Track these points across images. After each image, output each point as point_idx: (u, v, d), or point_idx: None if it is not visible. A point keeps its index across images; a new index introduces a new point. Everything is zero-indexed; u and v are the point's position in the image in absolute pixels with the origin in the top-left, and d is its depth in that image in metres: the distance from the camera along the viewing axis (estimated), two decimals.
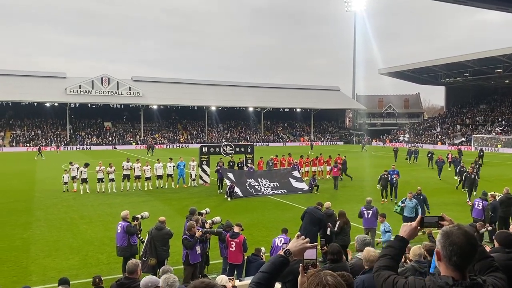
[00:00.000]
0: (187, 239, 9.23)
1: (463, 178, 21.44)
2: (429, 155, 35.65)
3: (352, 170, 28.98)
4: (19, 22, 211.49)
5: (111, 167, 23.26)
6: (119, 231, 10.29)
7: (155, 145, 60.82)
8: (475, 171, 21.87)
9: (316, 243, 2.80)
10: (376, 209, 12.82)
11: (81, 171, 22.88)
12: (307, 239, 2.73)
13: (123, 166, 23.89)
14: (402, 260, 6.66)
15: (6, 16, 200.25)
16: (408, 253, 7.47)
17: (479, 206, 13.76)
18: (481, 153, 37.32)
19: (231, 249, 9.61)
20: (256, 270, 8.87)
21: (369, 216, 12.67)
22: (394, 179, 20.69)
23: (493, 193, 15.10)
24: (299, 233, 2.88)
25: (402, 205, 14.17)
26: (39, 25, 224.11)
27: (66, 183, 22.90)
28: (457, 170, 25.77)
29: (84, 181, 22.76)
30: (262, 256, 9.21)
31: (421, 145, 67.16)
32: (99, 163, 23.90)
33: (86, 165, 23.37)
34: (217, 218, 10.91)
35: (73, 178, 23.17)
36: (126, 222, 10.30)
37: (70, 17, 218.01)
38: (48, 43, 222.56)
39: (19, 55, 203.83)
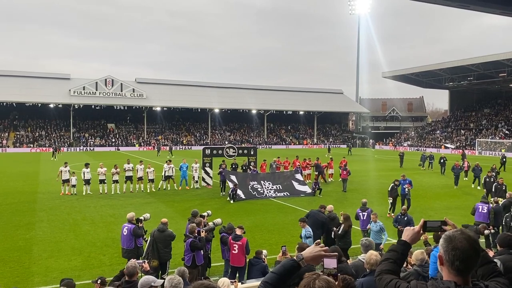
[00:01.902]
0: (195, 241, 9.24)
1: (494, 190, 18.46)
2: (442, 160, 32.96)
3: (355, 174, 28.93)
4: (25, 24, 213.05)
5: (116, 169, 23.26)
6: (125, 234, 10.24)
7: (162, 146, 61.31)
8: (493, 178, 20.30)
9: (336, 253, 2.78)
10: (371, 210, 12.94)
11: (83, 172, 22.69)
12: (326, 247, 2.70)
13: (124, 168, 23.88)
14: (404, 265, 6.64)
15: (12, 18, 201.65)
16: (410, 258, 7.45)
17: (484, 210, 13.54)
18: (504, 160, 35.26)
19: (233, 251, 9.59)
20: (259, 272, 8.90)
21: (365, 218, 12.79)
22: (406, 189, 18.25)
23: (495, 198, 15.07)
24: (319, 240, 2.88)
25: (368, 227, 12.09)
26: (44, 27, 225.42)
27: (74, 185, 22.60)
28: (483, 182, 21.75)
29: (87, 182, 22.67)
30: (264, 259, 9.19)
31: (424, 148, 67.00)
32: (100, 165, 23.90)
33: (87, 165, 23.20)
34: (218, 220, 10.94)
35: (66, 181, 22.57)
36: (132, 225, 10.27)
37: (75, 19, 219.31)
38: (54, 45, 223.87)
39: (24, 57, 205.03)
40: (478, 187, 25.26)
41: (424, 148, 67.31)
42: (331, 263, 2.61)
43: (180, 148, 68.75)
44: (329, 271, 2.57)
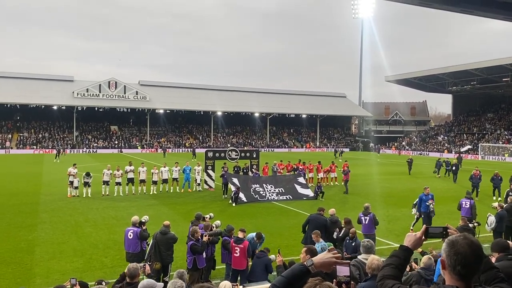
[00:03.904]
0: (195, 245, 9.23)
1: None
2: (453, 168, 30.59)
3: (358, 177, 28.88)
4: (28, 25, 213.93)
5: (118, 171, 23.24)
6: (130, 237, 10.18)
7: (167, 148, 61.61)
8: None
9: (348, 261, 2.73)
10: (373, 215, 12.67)
11: (83, 176, 22.39)
12: (339, 254, 2.64)
13: (126, 170, 23.87)
14: (407, 270, 6.65)
15: (15, 19, 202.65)
16: (412, 262, 7.46)
17: (467, 205, 14.74)
18: None
19: (235, 254, 9.58)
20: (262, 265, 8.93)
21: (367, 222, 12.54)
22: (431, 206, 15.51)
23: (499, 202, 15.03)
24: (332, 246, 2.86)
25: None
26: (48, 29, 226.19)
27: (76, 187, 22.50)
28: (505, 195, 18.67)
29: (86, 184, 22.39)
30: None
31: (427, 153, 66.95)
32: (107, 166, 23.85)
33: (88, 174, 22.73)
34: (217, 222, 10.98)
35: (71, 183, 22.48)
36: (138, 228, 10.26)
37: (79, 21, 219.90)
38: (57, 47, 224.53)
39: (28, 59, 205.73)
40: (500, 198, 22.24)
41: (427, 153, 67.21)
42: (343, 270, 2.55)
43: (182, 151, 68.84)
44: (345, 279, 2.52)
